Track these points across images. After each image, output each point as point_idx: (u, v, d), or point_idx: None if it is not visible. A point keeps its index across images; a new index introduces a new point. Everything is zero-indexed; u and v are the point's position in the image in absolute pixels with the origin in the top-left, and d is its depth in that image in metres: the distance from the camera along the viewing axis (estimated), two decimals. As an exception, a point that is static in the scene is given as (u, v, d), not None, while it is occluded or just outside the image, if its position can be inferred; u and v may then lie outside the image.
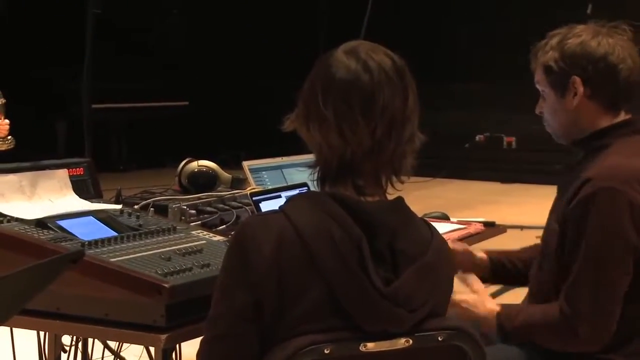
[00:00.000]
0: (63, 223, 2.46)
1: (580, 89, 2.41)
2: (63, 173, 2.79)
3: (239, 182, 3.19)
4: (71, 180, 2.79)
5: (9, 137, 5.39)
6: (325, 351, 1.66)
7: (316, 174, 1.80)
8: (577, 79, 2.40)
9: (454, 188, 9.84)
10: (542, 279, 2.47)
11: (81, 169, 2.85)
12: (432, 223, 1.89)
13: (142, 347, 2.49)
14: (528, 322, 2.40)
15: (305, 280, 1.68)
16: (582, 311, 2.29)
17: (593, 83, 2.41)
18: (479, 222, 3.44)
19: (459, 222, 3.44)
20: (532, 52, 2.49)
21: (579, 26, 2.45)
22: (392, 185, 1.80)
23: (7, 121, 5.36)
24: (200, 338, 1.81)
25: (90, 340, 2.86)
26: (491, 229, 3.45)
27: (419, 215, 1.88)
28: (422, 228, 1.82)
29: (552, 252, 2.40)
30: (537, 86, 2.50)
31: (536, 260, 2.54)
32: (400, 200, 1.80)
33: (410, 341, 1.72)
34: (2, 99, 5.27)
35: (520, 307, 2.52)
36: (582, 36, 2.41)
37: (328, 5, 10.94)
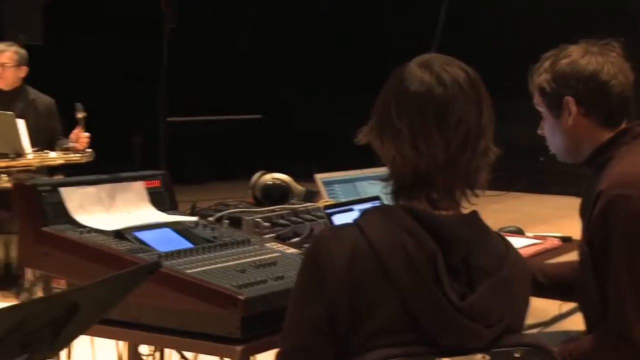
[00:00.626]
0: (140, 234, 2.51)
1: (574, 109, 2.44)
2: (140, 185, 2.84)
3: (311, 195, 3.20)
4: (148, 193, 2.83)
5: (89, 149, 5.50)
6: (400, 365, 1.66)
7: (390, 187, 1.80)
8: (570, 99, 2.43)
9: (529, 202, 9.74)
10: (590, 300, 2.48)
11: (158, 181, 2.90)
12: (507, 237, 1.88)
13: (217, 358, 2.51)
14: (584, 351, 2.39)
15: (379, 294, 1.67)
16: (629, 318, 2.30)
17: (586, 101, 2.44)
18: (555, 237, 3.40)
19: (534, 237, 3.40)
20: (529, 74, 2.52)
21: (571, 46, 2.47)
22: (467, 199, 1.80)
23: (87, 134, 5.47)
24: (276, 350, 1.82)
25: (167, 350, 2.91)
26: (567, 244, 3.40)
27: (494, 229, 1.87)
28: (498, 242, 1.81)
29: (591, 274, 2.42)
30: (537, 108, 2.53)
31: (578, 287, 2.56)
32: (475, 214, 1.79)
33: (487, 357, 1.71)
34: (83, 113, 5.38)
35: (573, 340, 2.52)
36: (572, 56, 2.44)
37: (398, 19, 10.93)
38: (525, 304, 1.86)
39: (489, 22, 10.65)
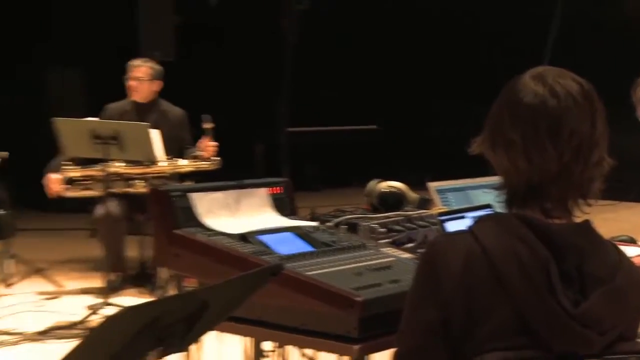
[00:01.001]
0: (263, 238, 2.54)
1: None
2: (264, 191, 2.88)
3: (425, 203, 3.19)
4: (271, 198, 2.87)
5: (216, 158, 5.60)
6: (513, 368, 1.64)
7: (503, 196, 1.78)
8: None
9: (641, 212, 9.47)
10: None
11: (280, 187, 2.93)
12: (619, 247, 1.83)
13: (335, 356, 2.51)
14: None
15: (492, 299, 1.65)
16: None
17: None
18: (668, 247, 3.29)
19: (647, 247, 3.30)
20: (631, 88, 2.44)
21: None
22: (579, 209, 1.76)
23: (214, 143, 5.57)
24: (391, 350, 1.82)
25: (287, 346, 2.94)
26: (682, 255, 3.29)
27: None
28: (611, 251, 1.76)
29: None
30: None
31: None
32: (587, 223, 1.75)
33: (600, 364, 1.67)
34: (210, 124, 5.48)
35: None
36: None
37: (510, 32, 10.78)
38: (638, 313, 1.81)
39: (601, 32, 10.41)
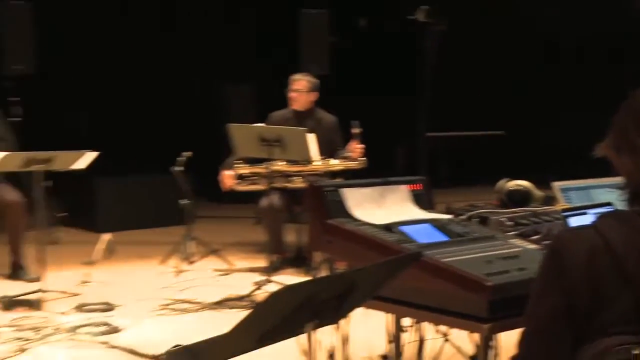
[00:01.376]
0: (404, 228, 2.52)
1: None
2: (405, 188, 2.86)
3: (549, 200, 3.10)
4: (411, 194, 2.85)
5: (362, 158, 5.60)
6: (634, 352, 1.56)
7: (625, 195, 1.70)
8: None
9: None
10: None
11: (419, 185, 2.91)
12: None
13: (465, 332, 2.46)
14: None
15: (614, 289, 1.57)
16: None
17: None
18: None
19: None
20: None
21: None
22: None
23: (361, 146, 5.57)
24: (517, 330, 1.77)
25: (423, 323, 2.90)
26: None
27: None
28: None
29: None
30: None
31: None
32: None
33: None
34: (359, 129, 5.49)
35: None
36: None
37: (632, 43, 10.31)
38: None
39: None
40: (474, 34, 10.17)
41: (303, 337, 1.90)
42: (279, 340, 1.88)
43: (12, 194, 5.36)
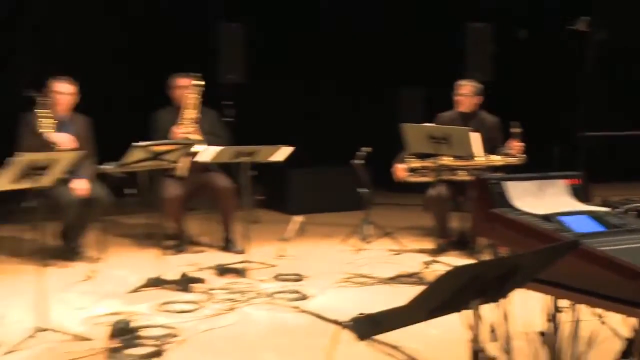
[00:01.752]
0: (563, 219, 2.40)
1: None
2: (563, 182, 2.73)
3: None
4: (570, 188, 2.71)
5: (522, 155, 5.40)
6: None
7: None
8: None
9: None
10: None
11: (577, 179, 2.76)
12: None
13: (620, 316, 2.31)
14: None
15: None
16: None
17: None
18: None
19: None
20: None
21: None
22: None
23: (521, 144, 5.38)
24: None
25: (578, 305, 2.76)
26: None
27: None
28: None
29: None
30: None
31: None
32: None
33: None
34: (518, 129, 5.30)
35: None
36: None
37: None
38: None
39: None
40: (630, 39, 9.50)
41: (468, 312, 1.86)
42: (447, 314, 1.85)
43: (224, 181, 5.62)
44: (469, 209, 5.54)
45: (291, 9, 8.52)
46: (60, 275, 4.77)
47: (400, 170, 5.64)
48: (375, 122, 8.52)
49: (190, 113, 5.49)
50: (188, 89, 5.51)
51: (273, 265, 5.18)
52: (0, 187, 3.57)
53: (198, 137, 5.40)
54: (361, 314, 1.63)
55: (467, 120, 5.61)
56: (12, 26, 7.03)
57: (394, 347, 3.48)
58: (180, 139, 5.30)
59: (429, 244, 5.60)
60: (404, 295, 1.66)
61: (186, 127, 5.44)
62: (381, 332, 1.72)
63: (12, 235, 5.41)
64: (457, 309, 1.85)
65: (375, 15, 8.94)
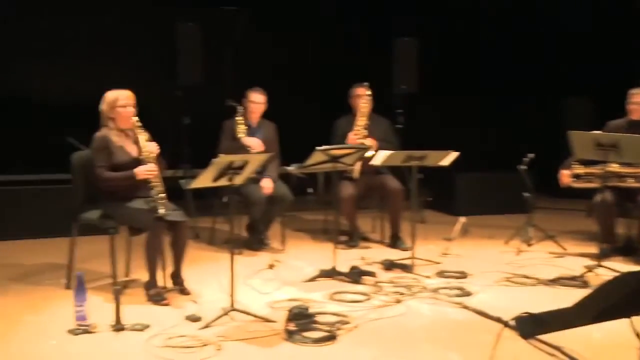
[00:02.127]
0: None
1: None
2: None
3: None
4: None
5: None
6: None
7: None
8: None
9: None
10: None
11: None
12: None
13: None
14: None
15: None
16: None
17: None
18: None
19: None
20: None
21: None
22: None
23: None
24: None
25: None
26: None
27: None
28: None
29: None
30: None
31: None
32: None
33: None
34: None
35: None
36: None
37: None
38: None
39: None
40: None
41: (638, 319, 1.70)
42: (615, 319, 1.70)
43: (394, 183, 5.61)
44: (637, 215, 5.13)
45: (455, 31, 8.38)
46: (248, 263, 5.00)
47: (566, 176, 5.33)
48: (542, 129, 8.18)
49: (362, 120, 5.53)
50: (362, 98, 5.56)
51: (437, 263, 5.09)
52: (202, 184, 3.80)
53: (370, 142, 5.43)
54: (525, 313, 1.54)
55: (637, 128, 5.18)
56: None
57: (556, 348, 3.27)
58: (356, 144, 5.35)
59: (592, 249, 5.23)
60: (566, 297, 1.56)
61: (359, 133, 5.49)
62: (545, 333, 1.61)
63: (210, 227, 5.74)
64: (626, 314, 1.69)
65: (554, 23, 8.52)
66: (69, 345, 3.36)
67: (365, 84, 5.56)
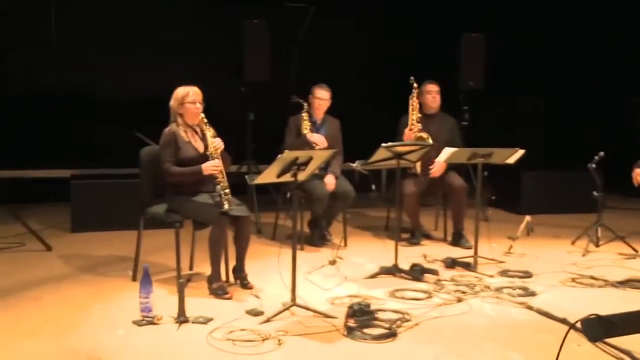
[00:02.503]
0: None
1: None
2: None
3: None
4: None
5: None
6: None
7: None
8: None
9: None
10: None
11: None
12: None
13: None
14: None
15: None
16: None
17: None
18: None
19: None
20: None
21: None
22: None
23: None
24: None
25: None
26: None
27: None
28: None
29: None
30: None
31: None
32: None
33: None
34: None
35: None
36: None
37: None
38: None
39: None
40: None
41: None
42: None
43: (458, 180, 5.52)
44: None
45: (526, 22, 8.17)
46: (309, 259, 5.01)
47: (639, 175, 5.12)
48: (613, 128, 7.93)
49: (414, 114, 5.46)
50: (430, 94, 5.52)
51: (501, 262, 4.98)
52: (267, 180, 3.83)
53: (426, 136, 5.35)
54: (593, 315, 1.48)
55: None
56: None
57: (625, 352, 3.15)
58: (411, 139, 5.29)
59: (667, 251, 5.01)
60: (636, 300, 1.47)
61: (414, 128, 5.42)
62: (614, 336, 1.54)
63: (272, 222, 5.79)
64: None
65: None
66: (133, 336, 3.45)
67: (431, 81, 5.51)
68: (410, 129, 5.42)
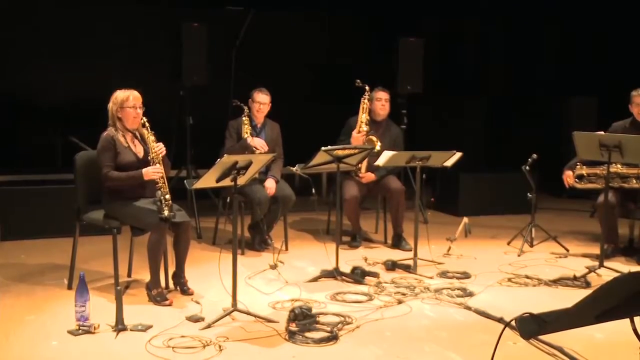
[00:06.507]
0: None
1: None
2: None
3: None
4: None
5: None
6: None
7: None
8: None
9: None
10: None
11: None
12: None
13: None
14: None
15: None
16: None
17: None
18: None
19: None
20: None
21: None
22: None
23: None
24: None
25: None
26: None
27: None
28: None
29: None
30: None
31: None
32: None
33: None
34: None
35: None
36: None
37: None
38: None
39: None
40: None
41: (639, 319, 1.68)
42: (616, 319, 1.68)
43: (396, 183, 5.59)
44: (637, 215, 5.10)
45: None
46: (250, 263, 4.98)
47: (569, 177, 5.31)
48: (545, 130, 8.15)
49: (364, 117, 5.52)
50: (380, 102, 5.57)
51: (440, 263, 5.07)
52: (207, 184, 3.78)
53: (375, 142, 5.41)
54: (526, 313, 1.52)
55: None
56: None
57: (557, 349, 3.25)
58: (360, 143, 5.33)
59: (594, 249, 5.21)
60: (568, 297, 1.54)
61: (362, 131, 5.47)
62: (546, 333, 1.59)
63: (212, 227, 5.73)
64: (628, 314, 1.67)
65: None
66: (69, 346, 3.35)
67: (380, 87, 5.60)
68: (359, 132, 5.46)
